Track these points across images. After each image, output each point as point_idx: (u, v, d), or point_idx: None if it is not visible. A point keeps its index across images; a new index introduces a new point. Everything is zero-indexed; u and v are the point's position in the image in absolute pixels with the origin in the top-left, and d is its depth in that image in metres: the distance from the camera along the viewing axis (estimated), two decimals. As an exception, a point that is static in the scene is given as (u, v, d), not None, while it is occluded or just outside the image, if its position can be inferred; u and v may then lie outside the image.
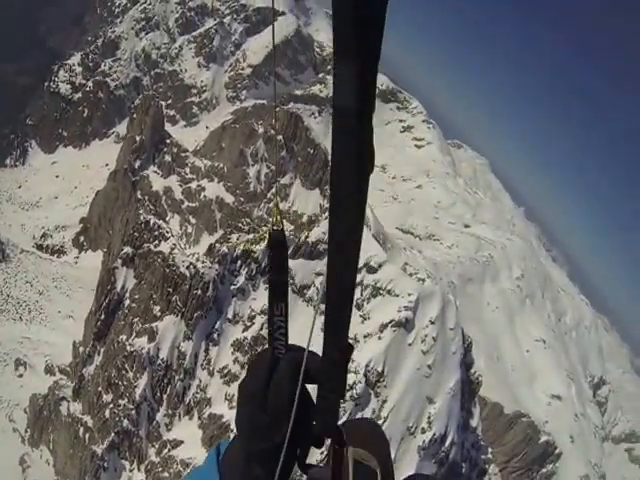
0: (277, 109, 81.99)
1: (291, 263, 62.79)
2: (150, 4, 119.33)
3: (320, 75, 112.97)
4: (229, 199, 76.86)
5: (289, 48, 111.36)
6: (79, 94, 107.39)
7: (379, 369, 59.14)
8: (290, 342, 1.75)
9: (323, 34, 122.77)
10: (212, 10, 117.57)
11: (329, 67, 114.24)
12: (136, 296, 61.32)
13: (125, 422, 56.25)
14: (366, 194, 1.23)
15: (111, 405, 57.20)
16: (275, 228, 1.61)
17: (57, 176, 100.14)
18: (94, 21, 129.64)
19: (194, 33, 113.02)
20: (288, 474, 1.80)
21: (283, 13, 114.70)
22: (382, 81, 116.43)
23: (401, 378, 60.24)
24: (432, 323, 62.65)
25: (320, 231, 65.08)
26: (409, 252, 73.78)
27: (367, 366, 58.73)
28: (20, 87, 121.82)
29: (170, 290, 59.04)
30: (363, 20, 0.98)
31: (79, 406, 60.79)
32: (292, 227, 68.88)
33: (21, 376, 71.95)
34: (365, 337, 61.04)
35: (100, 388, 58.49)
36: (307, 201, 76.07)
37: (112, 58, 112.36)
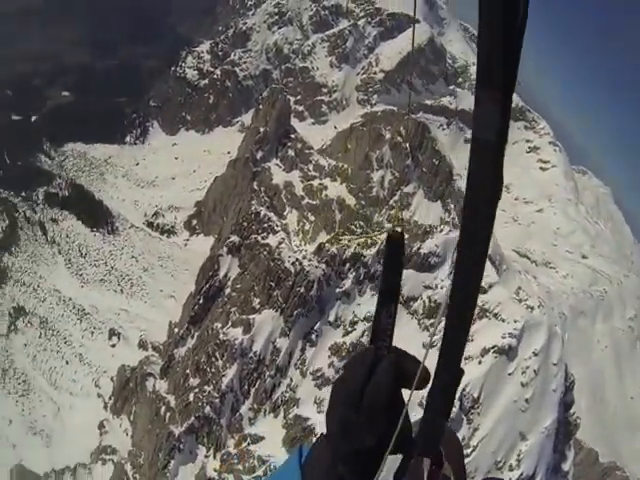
0: (406, 117, 78.71)
1: None
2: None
3: (451, 87, 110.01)
4: (350, 201, 73.84)
5: (422, 57, 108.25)
6: (206, 81, 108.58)
7: (475, 395, 55.64)
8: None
9: (456, 45, 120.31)
10: (347, 11, 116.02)
11: (460, 80, 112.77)
12: (237, 286, 60.51)
13: (207, 409, 55.36)
14: (493, 220, 1.30)
15: (196, 390, 56.70)
16: (396, 229, 1.60)
17: (176, 158, 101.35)
18: (225, 12, 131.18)
19: (328, 32, 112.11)
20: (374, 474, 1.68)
21: (417, 21, 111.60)
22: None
23: (496, 408, 56.45)
24: (535, 355, 58.57)
25: (433, 243, 62.75)
26: (524, 276, 70.68)
27: (463, 390, 55.00)
28: (147, 70, 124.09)
29: (272, 284, 57.73)
30: (508, 53, 1.09)
31: (165, 385, 60.99)
32: (406, 236, 64.31)
33: (113, 346, 74.67)
34: (465, 359, 55.72)
35: (188, 371, 58.57)
36: (428, 212, 71.94)
37: (242, 49, 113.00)
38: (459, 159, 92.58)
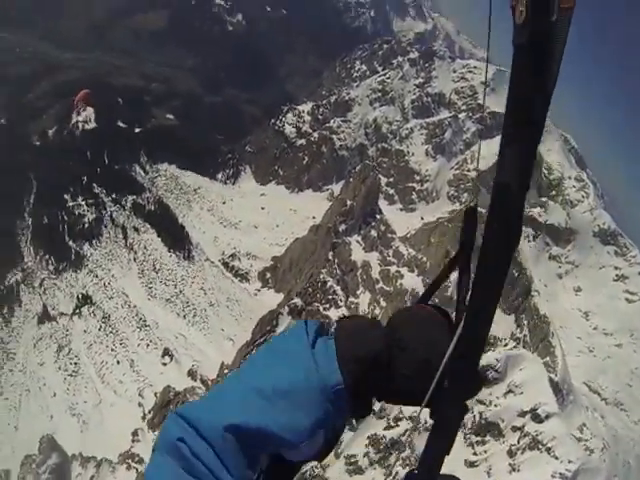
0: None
1: None
2: (389, 78, 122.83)
3: (543, 199, 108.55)
4: (424, 295, 75.49)
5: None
6: (303, 141, 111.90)
7: None
8: None
9: (554, 156, 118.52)
10: (449, 102, 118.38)
11: (554, 192, 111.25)
12: None
13: None
14: (508, 266, 1.36)
15: None
16: (471, 205, 1.71)
17: (263, 208, 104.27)
18: (332, 78, 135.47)
19: (427, 119, 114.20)
20: None
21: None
22: (605, 220, 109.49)
23: None
24: None
25: (494, 357, 60.11)
26: (590, 413, 67.41)
27: None
28: (248, 115, 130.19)
29: None
30: (536, 107, 1.22)
31: None
32: None
33: (165, 364, 76.22)
34: None
35: None
36: (499, 324, 71.48)
37: (342, 118, 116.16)
38: (540, 275, 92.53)
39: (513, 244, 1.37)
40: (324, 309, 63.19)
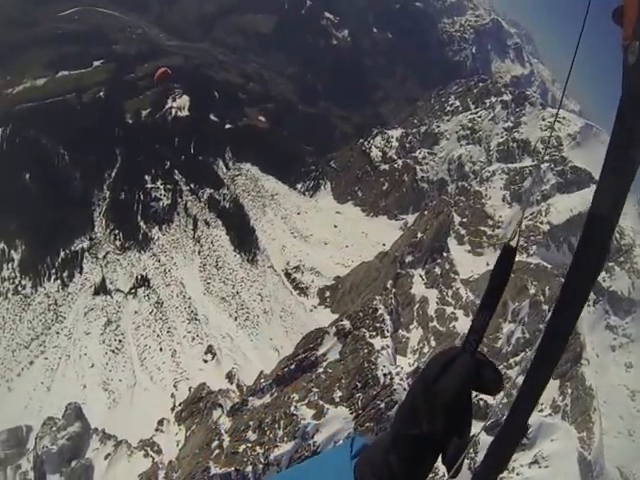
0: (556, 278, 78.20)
1: (482, 436, 55.63)
2: (480, 117, 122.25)
3: (610, 264, 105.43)
4: (474, 343, 74.27)
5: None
6: (386, 166, 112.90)
7: None
8: None
9: (629, 220, 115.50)
10: (533, 150, 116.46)
11: (622, 259, 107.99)
12: (329, 370, 60.08)
13: (249, 468, 54.18)
14: (588, 293, 1.44)
15: (249, 444, 55.90)
16: (510, 242, 1.74)
17: (335, 226, 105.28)
18: (425, 108, 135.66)
19: (510, 165, 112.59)
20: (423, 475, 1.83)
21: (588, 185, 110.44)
22: None
23: None
24: None
25: (532, 420, 57.03)
26: None
27: None
28: (338, 131, 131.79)
29: (359, 384, 56.79)
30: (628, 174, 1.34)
31: (228, 423, 61.00)
32: (505, 400, 64.07)
33: (205, 361, 76.98)
34: None
35: (251, 422, 57.97)
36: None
37: (428, 150, 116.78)
38: (594, 343, 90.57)
39: (596, 275, 1.45)
40: (370, 336, 62.61)
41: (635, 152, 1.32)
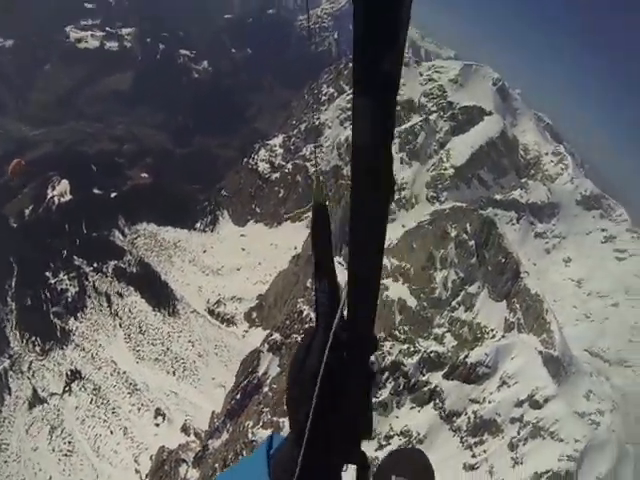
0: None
1: (444, 384, 57.59)
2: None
3: (523, 180, 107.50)
4: (412, 302, 71.60)
5: (493, 150, 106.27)
6: (277, 174, 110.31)
7: None
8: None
9: (529, 136, 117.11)
10: (418, 106, 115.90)
11: (533, 171, 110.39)
12: (274, 385, 59.07)
13: None
14: (383, 226, 1.37)
15: None
16: (319, 202, 1.59)
17: (243, 249, 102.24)
18: (300, 107, 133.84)
19: (399, 128, 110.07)
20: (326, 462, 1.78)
21: (490, 113, 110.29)
22: (587, 186, 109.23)
23: None
24: None
25: (482, 352, 58.29)
26: (595, 378, 65.69)
27: None
28: (221, 160, 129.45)
29: None
30: (381, 52, 1.08)
31: (196, 474, 60.15)
32: (455, 342, 62.04)
33: (157, 425, 75.19)
34: None
35: (217, 465, 56.89)
36: (491, 313, 68.64)
37: (314, 144, 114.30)
38: (528, 254, 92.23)
39: (384, 203, 1.32)
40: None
41: (384, 61, 1.11)
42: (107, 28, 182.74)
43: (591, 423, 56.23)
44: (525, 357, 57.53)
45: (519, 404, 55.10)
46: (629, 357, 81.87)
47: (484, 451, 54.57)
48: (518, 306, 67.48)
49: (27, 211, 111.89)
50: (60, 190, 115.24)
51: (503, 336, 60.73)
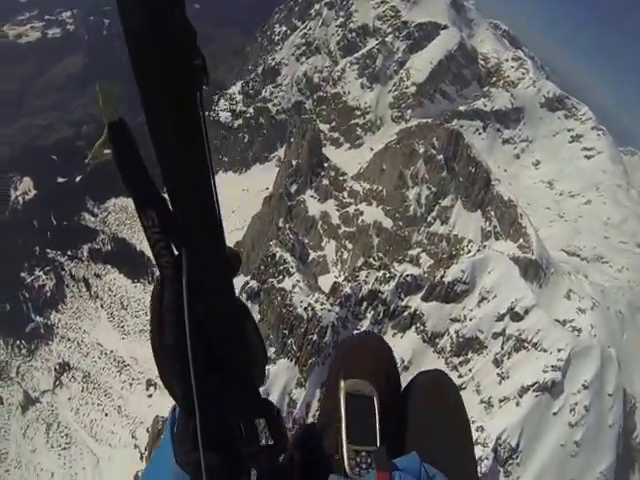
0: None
1: (423, 307, 56.69)
2: (310, 29, 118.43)
3: (485, 89, 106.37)
4: (387, 223, 71.45)
5: (453, 63, 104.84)
6: (239, 121, 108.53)
7: (513, 443, 49.22)
8: None
9: (488, 45, 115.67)
10: (373, 30, 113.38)
11: (494, 79, 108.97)
12: None
13: None
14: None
15: None
16: (111, 118, 1.16)
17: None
18: (255, 50, 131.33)
19: (356, 54, 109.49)
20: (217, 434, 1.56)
21: (445, 27, 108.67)
22: (549, 88, 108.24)
23: (540, 456, 49.79)
24: (585, 388, 51.31)
25: (458, 269, 56.45)
26: (573, 277, 65.08)
27: (499, 438, 48.99)
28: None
29: (286, 332, 54.30)
30: None
31: None
32: (431, 262, 60.55)
33: (150, 396, 75.72)
34: (501, 402, 51.75)
35: None
36: (468, 223, 69.43)
37: (273, 84, 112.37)
38: (497, 161, 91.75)
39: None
40: (278, 282, 58.16)
41: None
42: (46, 16, 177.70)
43: (572, 330, 55.99)
44: (501, 269, 56.50)
45: (500, 318, 54.68)
46: (605, 253, 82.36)
47: (470, 370, 54.70)
48: (493, 214, 67.27)
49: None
50: (23, 188, 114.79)
51: (478, 250, 59.39)
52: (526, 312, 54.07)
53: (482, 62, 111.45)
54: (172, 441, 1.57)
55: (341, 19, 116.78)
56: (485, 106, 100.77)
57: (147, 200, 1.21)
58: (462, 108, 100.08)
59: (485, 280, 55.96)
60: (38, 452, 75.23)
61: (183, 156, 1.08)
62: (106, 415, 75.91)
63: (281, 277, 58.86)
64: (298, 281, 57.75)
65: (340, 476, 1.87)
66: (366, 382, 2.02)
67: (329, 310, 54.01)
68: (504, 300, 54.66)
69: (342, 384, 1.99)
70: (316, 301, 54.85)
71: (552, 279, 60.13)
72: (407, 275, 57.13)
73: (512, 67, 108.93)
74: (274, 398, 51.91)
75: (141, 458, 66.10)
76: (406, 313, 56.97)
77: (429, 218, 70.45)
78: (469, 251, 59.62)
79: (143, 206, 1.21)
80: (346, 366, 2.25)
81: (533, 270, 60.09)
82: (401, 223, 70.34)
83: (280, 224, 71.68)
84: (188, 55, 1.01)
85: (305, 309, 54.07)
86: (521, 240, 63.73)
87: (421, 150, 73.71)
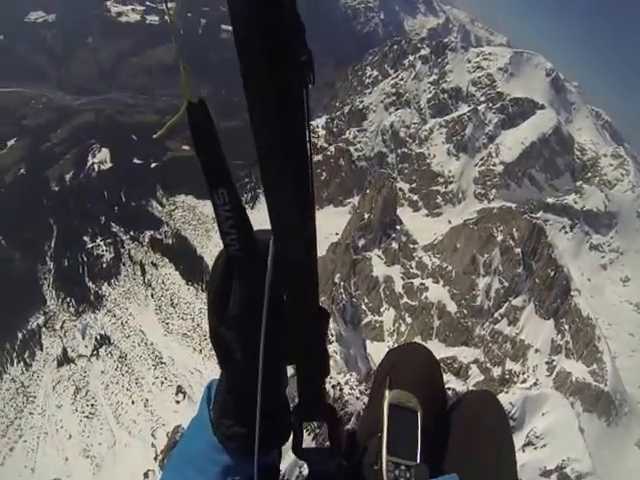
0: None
1: None
2: (402, 79, 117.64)
3: (578, 183, 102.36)
4: (452, 307, 69.74)
5: (546, 147, 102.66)
6: (319, 157, 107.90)
7: None
8: None
9: (586, 134, 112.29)
10: (467, 95, 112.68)
11: (589, 175, 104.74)
12: None
13: None
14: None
15: None
16: (192, 100, 1.14)
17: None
18: (344, 88, 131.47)
19: (446, 117, 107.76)
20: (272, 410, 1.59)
21: (543, 106, 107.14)
22: None
23: None
24: None
25: (507, 400, 49.89)
26: None
27: None
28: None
29: None
30: None
31: None
32: (481, 378, 58.98)
33: (178, 402, 74.48)
34: None
35: None
36: (537, 331, 65.82)
37: (358, 128, 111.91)
38: (581, 268, 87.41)
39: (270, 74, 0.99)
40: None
41: None
42: (147, 2, 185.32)
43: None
44: (559, 415, 50.92)
45: (546, 474, 48.79)
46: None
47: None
48: (567, 327, 63.83)
49: (68, 176, 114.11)
50: (100, 158, 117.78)
51: (536, 383, 55.74)
52: (579, 478, 47.82)
53: (578, 152, 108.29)
54: (210, 416, 1.62)
55: (434, 76, 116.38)
56: (576, 203, 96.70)
57: (219, 177, 1.25)
58: (550, 200, 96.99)
59: (537, 422, 50.84)
60: (62, 410, 75.97)
61: (283, 155, 1.08)
62: (132, 403, 75.93)
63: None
64: (335, 352, 54.62)
65: None
66: (411, 395, 2.04)
67: (357, 398, 47.97)
68: (555, 454, 49.05)
69: (387, 394, 2.02)
70: (346, 383, 49.61)
71: (624, 420, 56.42)
72: (449, 388, 55.67)
73: (611, 165, 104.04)
74: (284, 465, 48.45)
75: (155, 459, 65.73)
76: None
77: (496, 314, 68.02)
78: (524, 380, 56.83)
79: (215, 183, 1.24)
80: (392, 376, 2.25)
81: (603, 404, 56.75)
82: (466, 311, 68.45)
83: (336, 280, 69.99)
84: (295, 49, 0.98)
85: (333, 387, 48.58)
86: (594, 365, 60.27)
87: (499, 238, 71.81)
